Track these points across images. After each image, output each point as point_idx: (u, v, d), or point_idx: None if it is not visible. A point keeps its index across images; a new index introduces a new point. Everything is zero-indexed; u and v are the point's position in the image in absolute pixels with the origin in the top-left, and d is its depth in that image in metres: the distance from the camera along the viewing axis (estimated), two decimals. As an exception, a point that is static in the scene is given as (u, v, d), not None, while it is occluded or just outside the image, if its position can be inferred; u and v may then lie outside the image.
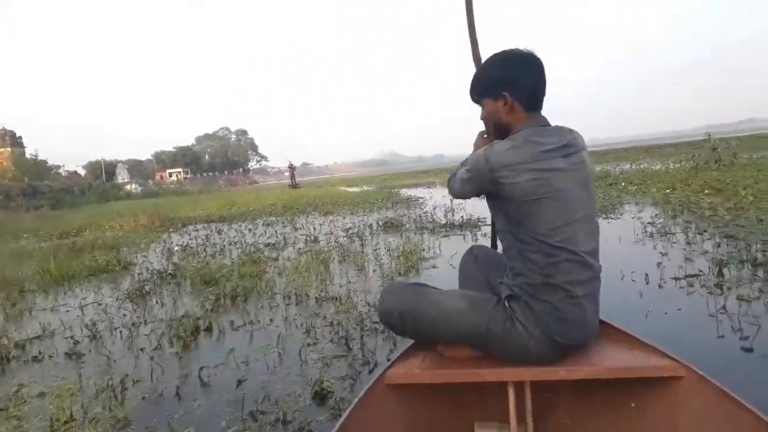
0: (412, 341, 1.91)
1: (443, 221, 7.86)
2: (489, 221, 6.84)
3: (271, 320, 3.55)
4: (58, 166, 68.70)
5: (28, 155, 61.50)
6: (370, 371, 2.52)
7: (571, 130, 1.66)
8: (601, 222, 5.73)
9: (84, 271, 6.28)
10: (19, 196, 35.16)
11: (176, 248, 7.86)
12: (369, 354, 2.70)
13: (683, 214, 6.11)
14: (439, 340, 1.78)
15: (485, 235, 6.12)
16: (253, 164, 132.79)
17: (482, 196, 1.70)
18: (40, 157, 60.31)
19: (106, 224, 13.76)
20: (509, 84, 1.65)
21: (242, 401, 2.31)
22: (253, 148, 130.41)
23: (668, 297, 3.21)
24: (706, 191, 7.71)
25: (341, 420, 1.43)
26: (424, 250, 5.59)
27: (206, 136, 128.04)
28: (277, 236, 8.12)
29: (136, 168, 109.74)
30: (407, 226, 7.78)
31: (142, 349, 3.19)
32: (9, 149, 68.26)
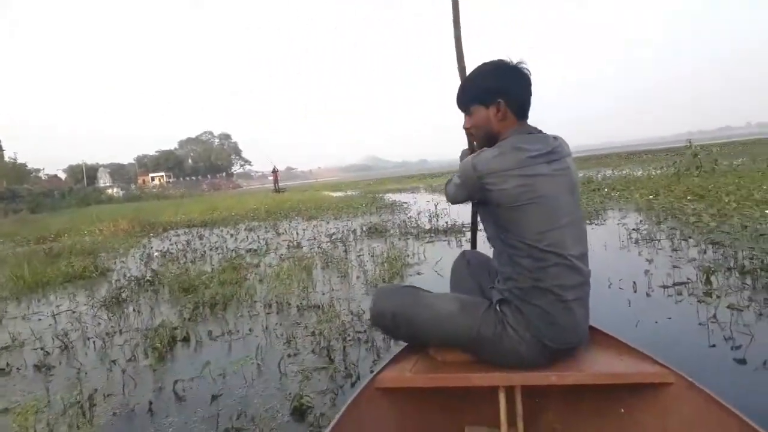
0: (403, 345, 1.90)
1: (428, 227, 7.79)
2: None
3: (250, 330, 3.44)
4: (38, 170, 67.85)
5: (7, 158, 60.38)
6: (353, 384, 2.43)
7: (556, 137, 1.69)
8: (586, 228, 5.69)
9: (59, 278, 6.11)
10: (-3, 199, 34.51)
11: (156, 254, 7.69)
12: (351, 366, 2.60)
13: (667, 221, 6.10)
14: (431, 343, 1.79)
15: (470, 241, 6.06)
16: (236, 168, 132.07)
17: (472, 201, 1.75)
18: (19, 161, 59.33)
19: (86, 229, 13.52)
20: (502, 92, 1.69)
21: (217, 417, 2.21)
22: (237, 152, 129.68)
23: (657, 305, 3.16)
24: (688, 197, 7.73)
25: (332, 423, 1.42)
26: (408, 256, 5.51)
27: (189, 140, 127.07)
28: (259, 242, 7.99)
29: (118, 172, 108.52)
30: (391, 232, 7.70)
31: (114, 361, 3.06)
32: (-13, 152, 67.04)
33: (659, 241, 4.98)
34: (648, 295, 3.39)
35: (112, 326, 3.81)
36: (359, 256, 5.82)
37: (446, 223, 7.85)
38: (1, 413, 2.51)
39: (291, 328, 3.36)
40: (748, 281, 3.38)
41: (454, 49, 2.30)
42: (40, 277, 6.07)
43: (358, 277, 4.70)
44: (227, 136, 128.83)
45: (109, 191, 57.78)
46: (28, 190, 41.03)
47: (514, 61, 1.71)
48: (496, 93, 1.69)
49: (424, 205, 12.39)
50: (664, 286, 3.49)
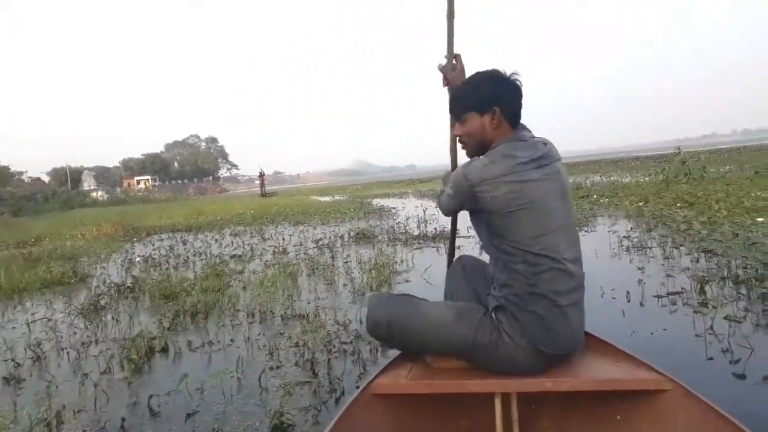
0: (398, 352, 1.91)
1: (416, 232, 7.69)
2: (462, 233, 6.69)
3: (232, 340, 3.31)
4: (21, 173, 66.79)
5: (-12, 160, 59.46)
6: (337, 400, 2.31)
7: (546, 143, 1.73)
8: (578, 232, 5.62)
9: (37, 284, 5.93)
10: (-22, 202, 33.93)
11: (138, 259, 7.51)
12: (336, 381, 2.48)
13: (658, 228, 6.05)
14: (427, 351, 1.80)
15: (459, 248, 5.96)
16: (223, 172, 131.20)
17: (465, 210, 1.77)
18: (2, 163, 58.45)
19: (68, 233, 13.23)
20: (498, 101, 1.74)
21: (193, 436, 2.08)
22: (224, 155, 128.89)
23: (651, 315, 3.08)
24: (678, 204, 7.69)
25: (327, 429, 1.42)
26: (396, 262, 5.40)
27: (175, 144, 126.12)
28: (244, 247, 7.84)
29: (102, 175, 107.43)
30: (379, 238, 7.59)
31: (86, 374, 2.91)
32: (-32, 154, 66.04)
33: (650, 248, 4.91)
34: (642, 304, 3.32)
35: (88, 336, 3.66)
36: (346, 262, 5.70)
37: (435, 229, 7.76)
38: (-38, 431, 2.36)
39: (274, 338, 3.24)
40: (743, 291, 3.30)
41: (446, 24, 2.25)
42: (17, 282, 5.87)
43: (345, 285, 4.58)
44: (214, 140, 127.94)
45: (94, 194, 57.10)
46: (11, 193, 40.33)
47: (508, 73, 1.77)
48: (491, 101, 1.74)
49: (412, 210, 12.30)
50: (658, 296, 3.41)
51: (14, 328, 4.16)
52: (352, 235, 7.96)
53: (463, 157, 2.11)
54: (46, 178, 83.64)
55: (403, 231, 8.04)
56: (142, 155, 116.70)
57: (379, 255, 5.78)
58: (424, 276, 4.65)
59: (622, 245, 5.21)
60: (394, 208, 13.86)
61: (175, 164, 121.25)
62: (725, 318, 2.84)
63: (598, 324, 2.71)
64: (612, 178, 17.16)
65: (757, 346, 2.45)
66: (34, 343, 3.49)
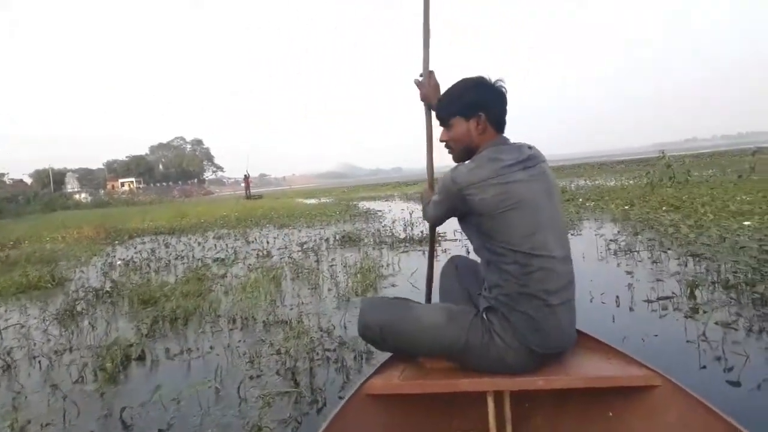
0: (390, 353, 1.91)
1: (402, 236, 7.60)
2: (448, 236, 6.61)
3: (211, 347, 3.20)
4: (2, 174, 65.80)
5: (-31, 162, 58.46)
6: (319, 410, 2.22)
7: (530, 147, 1.77)
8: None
9: (12, 288, 5.75)
10: (-43, 204, 33.33)
11: (118, 262, 7.35)
12: (317, 391, 2.38)
13: (645, 232, 6.02)
14: (419, 354, 1.81)
15: (446, 251, 5.89)
16: (208, 174, 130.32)
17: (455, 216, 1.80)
18: (-18, 165, 57.57)
19: (48, 235, 12.99)
20: (483, 106, 1.78)
21: (166, 452, 1.97)
22: (209, 158, 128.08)
23: (642, 321, 3.02)
24: (664, 208, 7.69)
25: (320, 430, 1.41)
26: (382, 266, 5.30)
27: (160, 146, 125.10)
28: (227, 251, 7.69)
29: (86, 177, 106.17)
30: (365, 241, 7.49)
31: (56, 385, 2.77)
32: (-52, 155, 64.93)
33: (638, 252, 4.87)
34: (631, 309, 3.26)
35: (62, 343, 3.53)
36: (331, 266, 5.60)
37: (421, 232, 7.67)
38: None
39: (255, 345, 3.13)
40: (734, 296, 3.25)
41: (422, 41, 2.26)
42: (-9, 287, 5.70)
43: (329, 290, 4.48)
44: (199, 142, 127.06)
45: (77, 197, 56.42)
46: (-9, 194, 39.75)
47: (493, 80, 1.81)
48: (477, 107, 1.78)
49: (398, 213, 12.22)
50: (648, 301, 3.35)
51: (-15, 335, 4.01)
52: (337, 238, 7.86)
53: (439, 162, 2.28)
54: (28, 180, 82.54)
55: (390, 234, 7.95)
56: (126, 157, 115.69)
57: (365, 258, 5.69)
58: (411, 280, 4.57)
59: (609, 249, 5.17)
60: (380, 210, 13.77)
61: (160, 166, 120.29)
62: (717, 323, 2.80)
63: (588, 329, 2.65)
64: (597, 182, 17.23)
65: (751, 353, 2.39)
66: (5, 351, 3.36)
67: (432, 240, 2.45)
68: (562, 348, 1.69)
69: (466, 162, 1.75)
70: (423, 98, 2.25)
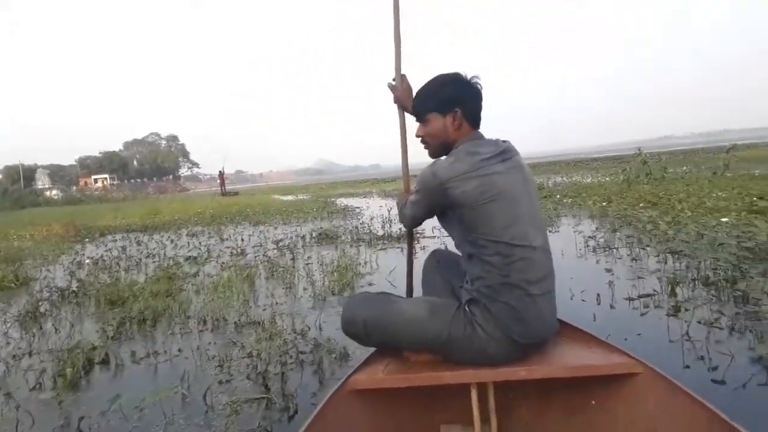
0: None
1: (381, 233, 7.50)
2: (426, 233, 6.53)
3: (180, 350, 3.05)
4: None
5: (-65, 158, 56.82)
6: (291, 418, 2.10)
7: (504, 141, 1.80)
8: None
9: (-28, 289, 5.51)
10: None
11: (87, 261, 7.12)
12: (289, 397, 2.26)
13: (623, 228, 6.00)
14: (403, 348, 1.82)
15: (424, 248, 5.80)
16: (183, 171, 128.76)
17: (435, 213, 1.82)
18: (-52, 160, 55.98)
19: (15, 233, 12.62)
20: (460, 102, 1.80)
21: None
22: (184, 154, 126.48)
23: (624, 319, 2.96)
24: (641, 204, 7.70)
25: (303, 426, 1.40)
26: (360, 264, 5.19)
27: (135, 142, 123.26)
28: (200, 248, 7.50)
29: (57, 173, 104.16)
30: (343, 238, 7.37)
31: (8, 394, 2.60)
32: None
33: (617, 249, 4.83)
34: (612, 307, 3.21)
35: (21, 347, 3.36)
36: (307, 264, 5.47)
37: (400, 229, 7.58)
38: None
39: (226, 348, 3.00)
40: (715, 293, 3.22)
41: (394, 48, 2.29)
42: (-50, 288, 5.46)
43: (305, 289, 4.35)
44: (174, 138, 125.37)
45: (48, 193, 55.28)
46: (-42, 191, 38.67)
47: (469, 76, 1.83)
48: (453, 102, 1.80)
49: (376, 210, 12.13)
50: (629, 298, 3.30)
51: (-60, 339, 3.80)
52: (314, 235, 7.73)
53: (415, 158, 2.33)
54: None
55: (368, 231, 7.84)
56: (99, 153, 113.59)
57: (342, 256, 5.57)
58: (389, 278, 4.46)
59: (588, 246, 5.13)
60: (359, 207, 13.67)
61: (135, 163, 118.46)
62: (700, 322, 2.74)
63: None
64: (573, 179, 17.34)
65: (734, 352, 2.34)
66: (-41, 356, 3.17)
67: (410, 236, 2.41)
68: (543, 337, 1.71)
69: (444, 157, 1.79)
70: (396, 101, 2.28)
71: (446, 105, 1.81)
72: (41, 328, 3.81)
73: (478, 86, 1.84)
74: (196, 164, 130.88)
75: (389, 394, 1.73)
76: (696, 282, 3.47)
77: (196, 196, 39.36)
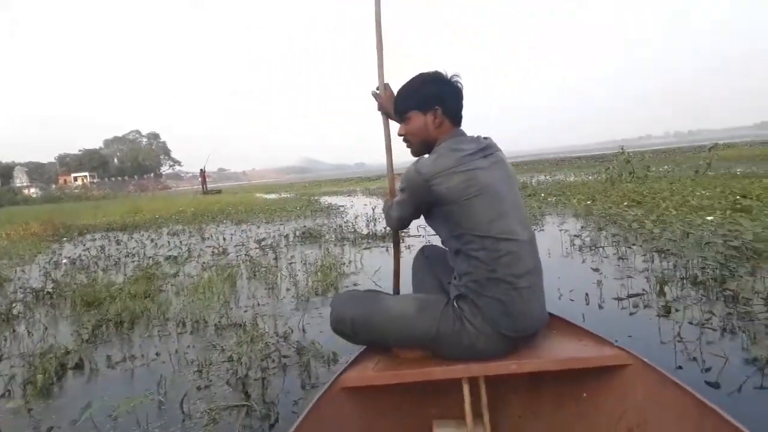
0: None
1: (365, 231, 7.41)
2: (411, 232, 6.46)
3: (157, 354, 2.95)
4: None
5: None
6: (271, 426, 2.01)
7: (486, 138, 1.83)
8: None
9: (-58, 290, 5.32)
10: None
11: (64, 261, 6.95)
12: (270, 405, 2.16)
13: (609, 227, 5.97)
14: (392, 345, 1.82)
15: (409, 248, 5.72)
16: (165, 169, 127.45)
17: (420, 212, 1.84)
18: None
19: (-10, 232, 12.32)
20: (441, 100, 1.83)
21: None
22: (166, 152, 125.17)
23: (613, 320, 2.91)
24: (625, 203, 7.70)
25: (294, 426, 1.39)
26: (344, 264, 5.09)
27: (115, 139, 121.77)
28: (180, 248, 7.35)
29: (36, 171, 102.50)
30: (327, 237, 7.27)
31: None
32: None
33: (603, 248, 4.80)
34: (601, 307, 3.16)
35: (-10, 351, 3.22)
36: (290, 264, 5.37)
37: (384, 228, 7.50)
38: None
39: (205, 351, 2.89)
40: (703, 292, 3.18)
41: (376, 58, 2.33)
42: None
43: (288, 290, 4.25)
44: (156, 136, 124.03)
45: (26, 191, 54.37)
46: (-68, 189, 37.85)
47: (449, 75, 1.86)
48: (433, 100, 1.82)
49: (361, 208, 12.04)
50: (618, 298, 3.25)
51: None
52: (297, 234, 7.63)
53: (398, 160, 2.34)
54: (-27, 174, 79.10)
55: (352, 230, 7.75)
56: (79, 151, 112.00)
57: (326, 256, 5.48)
58: (374, 278, 4.37)
59: (574, 244, 5.09)
60: (343, 206, 13.56)
61: (115, 160, 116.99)
62: (691, 323, 2.69)
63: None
64: (556, 177, 17.40)
65: (727, 353, 2.28)
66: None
67: (396, 237, 2.40)
68: (532, 330, 1.71)
69: (427, 155, 1.81)
70: (380, 108, 2.32)
71: (426, 103, 1.83)
72: (14, 331, 3.67)
73: (459, 84, 1.86)
74: (178, 162, 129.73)
75: (380, 391, 1.73)
76: (684, 281, 3.43)
77: (178, 195, 38.92)
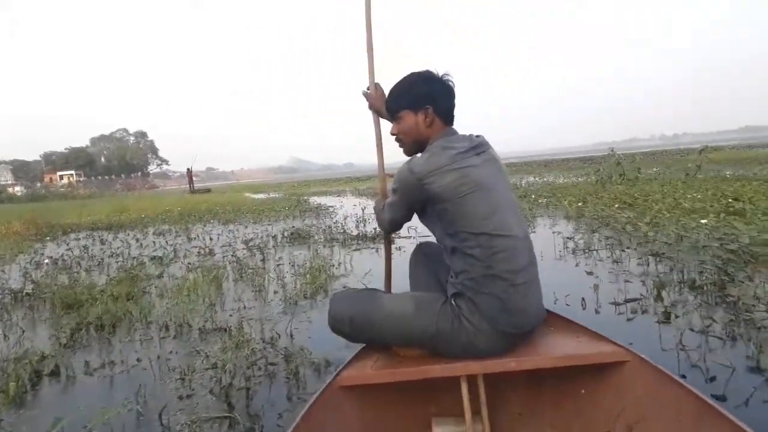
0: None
1: (355, 232, 7.30)
2: (402, 233, 6.35)
3: (138, 360, 2.82)
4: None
5: None
6: (257, 440, 1.90)
7: (478, 136, 1.84)
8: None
9: None
10: None
11: (46, 261, 6.77)
12: (255, 417, 2.05)
13: (602, 229, 5.90)
14: (391, 344, 1.82)
15: (400, 249, 5.62)
16: (153, 168, 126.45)
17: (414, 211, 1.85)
18: None
19: (-29, 232, 12.06)
20: (432, 99, 1.82)
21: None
22: (154, 150, 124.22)
23: (611, 326, 2.81)
24: (617, 205, 7.64)
25: (292, 425, 1.39)
26: (333, 266, 4.97)
27: (102, 138, 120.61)
28: (166, 248, 7.20)
29: (21, 169, 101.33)
30: (316, 238, 7.15)
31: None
32: None
33: (597, 251, 4.72)
34: (597, 312, 3.09)
35: (-38, 357, 3.07)
36: (278, 265, 5.25)
37: (374, 229, 7.40)
38: None
39: (188, 358, 2.77)
40: (702, 297, 3.11)
41: (366, 58, 2.31)
42: None
43: (275, 292, 4.13)
44: (143, 134, 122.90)
45: (11, 190, 53.69)
46: None
47: (440, 73, 1.86)
48: (425, 99, 1.82)
49: (350, 209, 11.93)
50: (615, 303, 3.17)
51: None
52: (286, 234, 7.50)
53: (387, 159, 2.31)
54: (-44, 172, 78.01)
55: (341, 231, 7.64)
56: (65, 149, 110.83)
57: (315, 257, 5.36)
58: (364, 281, 4.26)
59: (567, 247, 5.01)
60: (332, 206, 13.44)
61: (102, 159, 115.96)
62: (692, 330, 2.61)
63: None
64: (546, 179, 17.39)
65: (733, 362, 2.20)
66: None
67: (388, 239, 2.37)
68: (530, 326, 1.71)
69: (419, 154, 1.81)
70: (371, 107, 2.32)
71: (418, 102, 1.83)
72: (-11, 335, 3.53)
73: (450, 83, 1.86)
74: (165, 161, 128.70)
75: (379, 389, 1.73)
76: (682, 285, 3.36)
77: (165, 194, 38.57)
